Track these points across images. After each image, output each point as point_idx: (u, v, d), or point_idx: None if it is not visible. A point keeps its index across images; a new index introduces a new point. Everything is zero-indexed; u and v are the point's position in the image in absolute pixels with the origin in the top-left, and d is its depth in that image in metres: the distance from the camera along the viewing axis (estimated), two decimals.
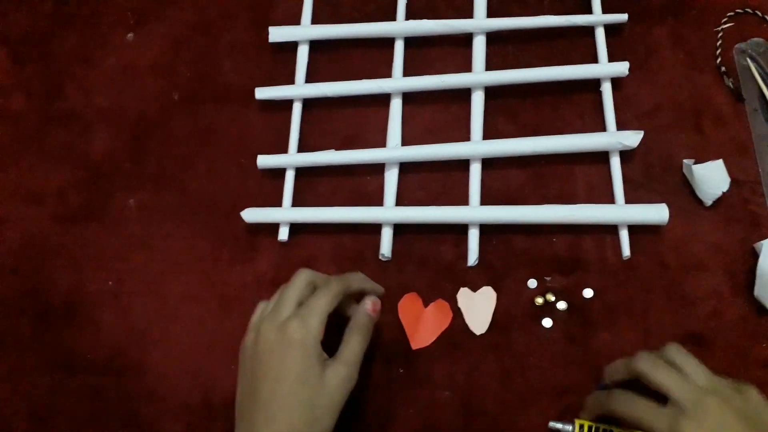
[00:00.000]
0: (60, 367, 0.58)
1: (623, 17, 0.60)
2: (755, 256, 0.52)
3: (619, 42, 0.60)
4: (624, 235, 0.54)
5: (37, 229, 0.62)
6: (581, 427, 0.48)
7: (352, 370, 0.46)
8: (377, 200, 0.59)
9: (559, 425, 0.50)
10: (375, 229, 0.57)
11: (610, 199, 0.56)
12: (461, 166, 0.58)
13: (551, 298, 0.54)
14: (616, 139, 0.55)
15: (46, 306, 0.60)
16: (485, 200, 0.57)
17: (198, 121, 0.64)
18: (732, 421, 0.40)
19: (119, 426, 0.56)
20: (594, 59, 0.60)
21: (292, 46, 0.64)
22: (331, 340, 0.47)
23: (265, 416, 0.43)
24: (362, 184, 0.60)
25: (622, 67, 0.57)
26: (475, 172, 0.57)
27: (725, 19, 0.60)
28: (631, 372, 0.44)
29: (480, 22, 0.61)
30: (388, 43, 0.63)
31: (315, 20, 0.65)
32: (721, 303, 0.53)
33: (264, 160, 0.59)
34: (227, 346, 0.56)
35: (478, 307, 0.54)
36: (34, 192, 0.64)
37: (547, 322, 0.53)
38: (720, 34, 0.60)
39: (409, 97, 0.61)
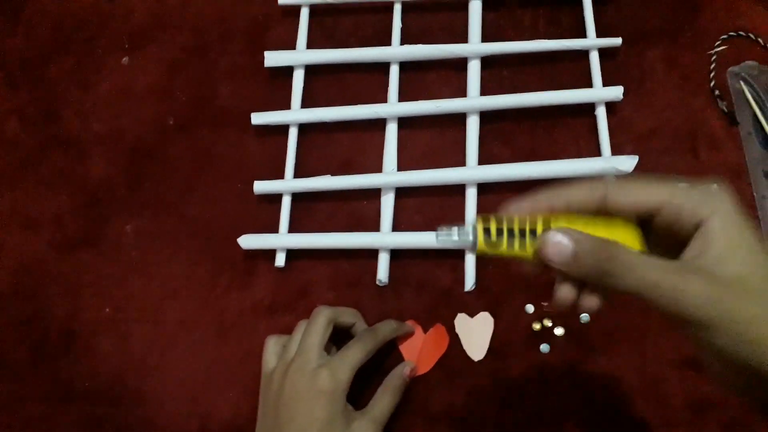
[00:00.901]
0: (57, 395, 0.58)
1: (617, 41, 0.60)
2: None
3: (613, 65, 0.60)
4: None
5: (34, 255, 0.62)
6: (486, 230, 0.35)
7: (378, 429, 0.48)
8: (374, 224, 0.59)
9: (447, 230, 0.36)
10: (372, 253, 0.57)
11: None
12: (457, 190, 0.58)
13: (549, 323, 0.54)
14: (611, 164, 0.55)
15: (43, 333, 0.59)
16: None
17: (194, 146, 0.64)
18: None
19: None
20: (589, 82, 0.60)
21: (288, 71, 0.64)
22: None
23: None
24: (359, 208, 0.60)
25: (616, 92, 0.58)
26: (471, 196, 0.58)
27: (719, 42, 0.60)
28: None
29: (475, 46, 0.61)
30: (383, 67, 0.63)
31: (310, 45, 0.65)
32: None
33: (261, 186, 0.59)
34: (224, 373, 0.56)
35: (476, 333, 0.54)
36: (30, 218, 0.63)
37: (544, 348, 0.54)
38: (713, 57, 0.60)
39: (404, 122, 0.61)
